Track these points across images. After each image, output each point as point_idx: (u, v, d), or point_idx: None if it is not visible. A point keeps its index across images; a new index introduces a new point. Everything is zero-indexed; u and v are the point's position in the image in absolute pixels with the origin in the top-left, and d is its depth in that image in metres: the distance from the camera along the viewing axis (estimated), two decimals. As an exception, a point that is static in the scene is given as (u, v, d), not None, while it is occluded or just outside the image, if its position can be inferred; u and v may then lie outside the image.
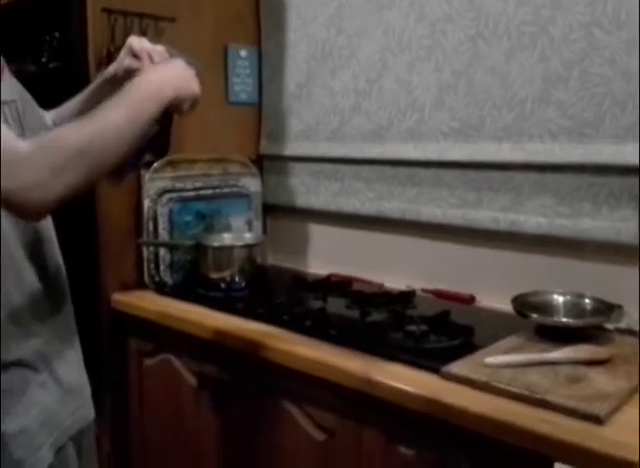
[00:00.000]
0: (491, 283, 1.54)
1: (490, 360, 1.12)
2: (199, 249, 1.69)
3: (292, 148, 1.99)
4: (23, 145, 0.76)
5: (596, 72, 1.34)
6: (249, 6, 2.01)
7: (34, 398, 0.91)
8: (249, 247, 1.74)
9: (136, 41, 1.03)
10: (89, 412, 1.02)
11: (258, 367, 1.34)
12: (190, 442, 1.55)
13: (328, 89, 1.86)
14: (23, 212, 0.78)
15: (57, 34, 1.74)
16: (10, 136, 0.76)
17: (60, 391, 0.96)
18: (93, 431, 1.07)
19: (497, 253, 1.53)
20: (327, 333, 1.33)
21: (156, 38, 1.75)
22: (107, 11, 1.68)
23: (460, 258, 1.61)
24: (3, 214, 0.86)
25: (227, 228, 1.84)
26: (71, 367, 1.00)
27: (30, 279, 0.93)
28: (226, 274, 1.67)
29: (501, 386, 1.04)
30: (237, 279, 1.67)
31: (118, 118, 0.82)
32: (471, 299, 1.56)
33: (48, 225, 0.99)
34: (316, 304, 1.53)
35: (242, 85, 2.00)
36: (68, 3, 1.67)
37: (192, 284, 1.70)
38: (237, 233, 1.83)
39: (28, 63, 1.83)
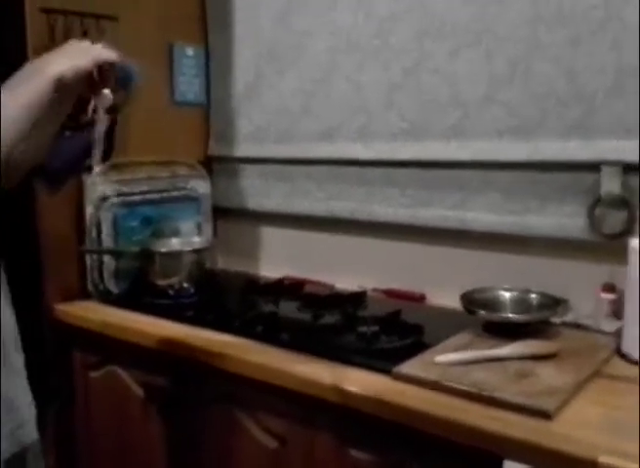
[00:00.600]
0: (440, 281, 1.55)
1: (440, 358, 1.12)
2: (145, 255, 1.63)
3: (241, 149, 1.96)
4: None
5: (540, 70, 1.36)
6: (195, 3, 1.98)
7: None
8: (197, 251, 1.70)
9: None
10: (29, 434, 0.95)
11: (207, 375, 1.31)
12: (139, 454, 1.50)
13: (277, 89, 1.84)
14: None
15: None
16: None
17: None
18: (37, 453, 0.99)
19: (446, 251, 1.54)
20: (278, 338, 1.31)
21: (98, 37, 1.70)
22: (46, 11, 1.62)
23: (410, 257, 1.61)
24: None
25: (176, 233, 1.79)
26: (7, 384, 0.93)
27: None
28: (175, 280, 1.62)
29: (451, 384, 1.04)
30: (186, 285, 1.63)
31: (10, 101, 0.80)
32: (422, 298, 1.56)
33: None
34: (268, 308, 1.50)
35: (188, 84, 1.96)
36: (4, 3, 1.61)
37: (139, 292, 1.64)
38: (187, 237, 1.79)
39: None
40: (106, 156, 1.59)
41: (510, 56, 1.39)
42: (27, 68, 0.86)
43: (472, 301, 1.31)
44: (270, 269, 1.90)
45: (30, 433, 0.96)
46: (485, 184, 1.45)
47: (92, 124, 1.05)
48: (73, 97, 0.91)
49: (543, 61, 1.35)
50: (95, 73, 0.91)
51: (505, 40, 1.39)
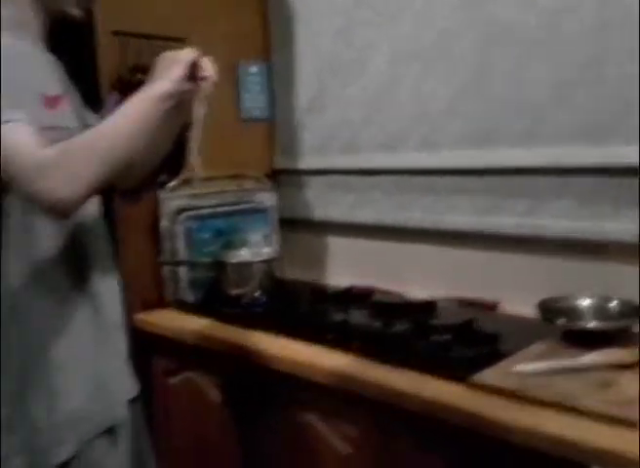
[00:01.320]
0: (514, 289, 1.52)
1: (519, 367, 1.11)
2: (218, 266, 1.68)
3: (306, 162, 1.99)
4: (45, 151, 0.87)
5: (610, 74, 1.33)
6: (258, 22, 2.03)
7: (63, 392, 0.95)
8: (267, 262, 1.74)
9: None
10: (119, 415, 1.03)
11: (281, 381, 1.34)
12: (216, 458, 1.54)
13: (339, 101, 1.86)
14: (52, 210, 0.89)
15: (67, 59, 1.75)
16: (31, 143, 0.87)
17: (89, 389, 0.99)
18: (127, 434, 1.06)
19: (519, 259, 1.52)
20: (350, 345, 1.32)
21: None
22: (118, 34, 1.69)
23: (481, 265, 1.59)
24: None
25: (245, 244, 1.83)
26: (105, 366, 1.03)
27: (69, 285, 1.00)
28: (246, 290, 1.66)
29: (532, 394, 1.02)
30: (257, 294, 1.66)
31: (121, 120, 0.94)
32: (494, 306, 1.53)
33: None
34: (338, 316, 1.52)
35: (254, 101, 2.01)
36: (78, 27, 1.69)
37: (213, 301, 1.69)
38: (255, 248, 1.83)
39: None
40: (178, 171, 1.66)
41: (580, 59, 1.37)
42: (137, 95, 0.98)
43: (550, 310, 1.29)
44: (337, 278, 1.91)
45: (120, 414, 1.03)
46: (558, 190, 1.42)
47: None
48: (184, 105, 1.02)
49: (612, 65, 1.32)
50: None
51: (572, 43, 1.37)
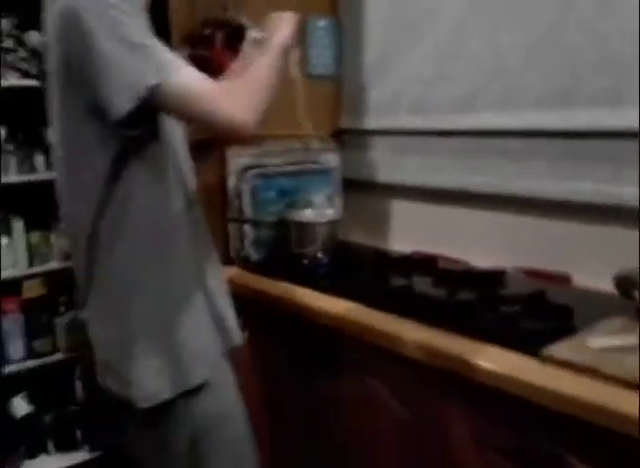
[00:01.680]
0: (588, 260, 1.44)
1: (593, 342, 1.06)
2: (282, 225, 1.68)
3: (372, 121, 1.94)
4: (222, 85, 1.04)
5: None
6: (328, -25, 1.97)
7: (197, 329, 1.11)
8: (331, 223, 1.72)
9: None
10: (234, 339, 1.18)
11: (343, 342, 1.34)
12: (277, 416, 1.57)
13: (410, 57, 1.79)
14: (237, 133, 1.02)
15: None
16: (204, 80, 0.99)
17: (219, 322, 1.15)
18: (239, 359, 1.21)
19: (595, 229, 1.44)
20: (413, 312, 1.29)
21: (237, 11, 1.74)
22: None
23: (554, 235, 1.52)
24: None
25: (309, 204, 1.82)
26: (223, 301, 1.18)
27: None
28: (309, 250, 1.66)
29: (607, 370, 0.98)
30: (320, 255, 1.66)
31: (265, 64, 1.09)
32: (567, 279, 1.47)
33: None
34: (400, 282, 1.49)
35: (321, 57, 1.96)
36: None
37: (276, 260, 1.70)
38: (318, 209, 1.81)
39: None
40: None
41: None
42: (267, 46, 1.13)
43: (627, 284, 1.22)
44: (400, 243, 1.88)
45: (236, 338, 1.19)
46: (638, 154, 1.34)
47: None
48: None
49: None
50: None
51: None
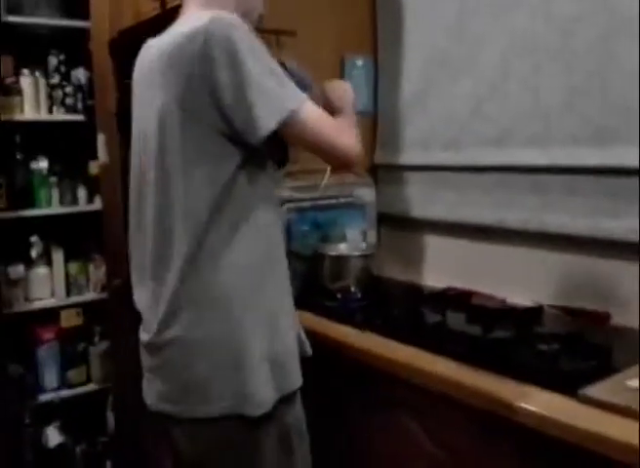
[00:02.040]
0: (628, 300, 1.41)
1: (632, 383, 1.03)
2: (316, 258, 1.69)
3: (407, 157, 1.96)
4: (338, 121, 1.20)
5: None
6: (367, 14, 2.01)
7: (288, 328, 1.19)
8: (365, 257, 1.72)
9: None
10: (294, 382, 1.19)
11: (376, 379, 1.32)
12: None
13: (446, 95, 1.81)
14: (350, 164, 1.22)
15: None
16: (324, 113, 1.15)
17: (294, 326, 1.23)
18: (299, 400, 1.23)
19: (632, 266, 1.41)
20: (447, 349, 1.28)
21: (278, 52, 1.79)
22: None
23: (591, 272, 1.49)
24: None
25: (343, 238, 1.83)
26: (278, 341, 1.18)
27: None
28: (342, 284, 1.66)
29: (646, 412, 0.95)
30: (353, 289, 1.66)
31: (352, 115, 1.27)
32: (606, 317, 1.43)
33: None
34: (434, 318, 1.48)
35: (358, 94, 1.97)
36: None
37: (309, 293, 1.70)
38: (353, 243, 1.82)
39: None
40: (283, 164, 1.68)
41: None
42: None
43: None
44: (434, 279, 1.87)
45: (308, 349, 1.26)
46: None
47: None
48: None
49: None
50: None
51: None
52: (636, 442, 0.90)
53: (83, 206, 2.49)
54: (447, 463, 1.20)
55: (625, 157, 1.39)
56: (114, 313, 2.33)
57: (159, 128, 1.12)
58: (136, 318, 1.26)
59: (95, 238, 2.42)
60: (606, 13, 1.42)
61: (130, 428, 2.24)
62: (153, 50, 1.19)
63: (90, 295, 2.51)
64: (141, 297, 1.22)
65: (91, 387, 2.48)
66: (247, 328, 1.11)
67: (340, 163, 1.20)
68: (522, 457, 1.07)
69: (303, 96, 1.11)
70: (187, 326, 1.11)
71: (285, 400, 1.15)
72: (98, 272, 2.50)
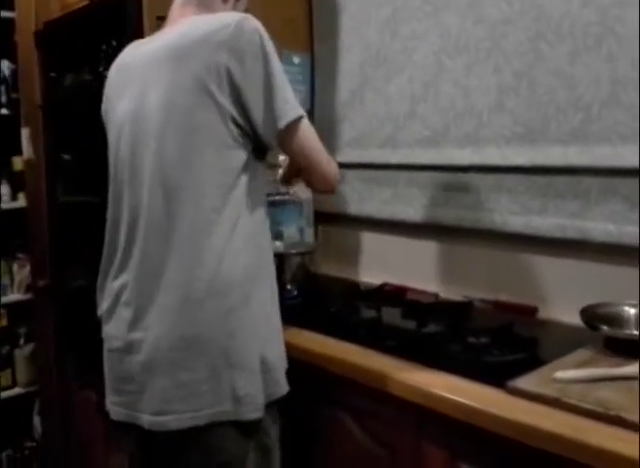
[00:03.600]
0: (555, 294, 1.47)
1: (560, 374, 1.06)
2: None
3: (344, 155, 1.96)
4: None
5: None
6: (301, 11, 2.01)
7: (278, 331, 1.17)
8: (301, 254, 1.72)
9: None
10: (281, 389, 1.16)
11: (312, 376, 1.31)
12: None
13: (382, 95, 1.83)
14: (330, 190, 1.30)
15: (113, 43, 1.76)
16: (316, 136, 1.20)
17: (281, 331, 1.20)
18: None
19: (562, 263, 1.46)
20: (383, 344, 1.29)
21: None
22: (162, 19, 1.69)
23: (521, 268, 1.54)
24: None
25: (279, 236, 1.82)
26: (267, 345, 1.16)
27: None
28: (279, 282, 1.64)
29: (573, 402, 0.98)
30: (289, 287, 1.64)
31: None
32: (534, 311, 1.48)
33: None
34: (370, 314, 1.49)
35: (294, 92, 1.98)
36: (124, 12, 1.69)
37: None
38: (289, 240, 1.81)
39: (85, 72, 1.86)
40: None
41: (634, 57, 1.31)
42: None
43: (594, 316, 1.24)
44: (370, 275, 1.88)
45: (283, 387, 1.16)
46: (606, 192, 1.37)
47: None
48: None
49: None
50: None
51: (630, 40, 1.31)
52: (563, 432, 0.93)
53: (6, 203, 2.39)
54: (385, 460, 1.21)
55: (552, 156, 1.44)
56: (40, 314, 2.24)
57: (165, 110, 1.09)
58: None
59: (19, 236, 2.32)
60: (534, 15, 1.47)
61: (58, 432, 2.17)
62: (151, 46, 1.18)
63: (14, 296, 2.41)
64: (108, 300, 1.16)
65: (16, 391, 2.38)
66: (245, 327, 1.08)
67: (324, 183, 1.24)
68: (454, 451, 1.09)
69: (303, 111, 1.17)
70: (184, 323, 1.05)
71: (270, 408, 1.12)
72: (22, 272, 2.40)
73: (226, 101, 1.07)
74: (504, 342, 1.23)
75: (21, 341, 2.43)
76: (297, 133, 1.14)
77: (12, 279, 2.42)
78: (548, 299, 1.48)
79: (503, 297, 1.54)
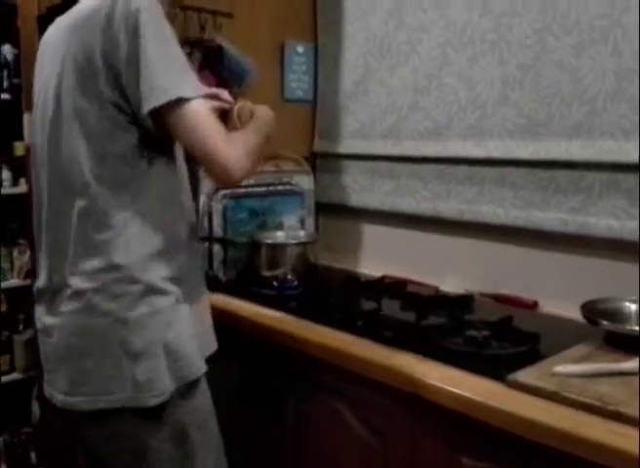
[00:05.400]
0: (555, 288, 1.47)
1: (559, 368, 1.06)
2: (252, 246, 1.67)
3: (346, 146, 1.96)
4: (230, 133, 1.11)
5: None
6: (306, 1, 1.99)
7: (189, 318, 1.13)
8: (302, 245, 1.72)
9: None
10: (194, 372, 1.13)
11: (309, 365, 1.32)
12: (241, 439, 1.53)
13: (385, 86, 1.82)
14: (225, 180, 1.13)
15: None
16: (215, 120, 1.07)
17: (203, 317, 1.20)
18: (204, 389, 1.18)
19: (562, 258, 1.46)
20: (381, 335, 1.29)
21: (215, 32, 1.75)
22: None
23: (522, 262, 1.54)
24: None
25: (280, 226, 1.82)
26: (207, 302, 1.23)
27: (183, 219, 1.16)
28: (279, 272, 1.65)
29: (572, 396, 0.98)
30: (290, 277, 1.64)
31: (257, 136, 1.17)
32: (534, 305, 1.48)
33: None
34: (369, 305, 1.49)
35: (298, 82, 1.98)
36: None
37: (245, 281, 1.68)
38: (290, 231, 1.81)
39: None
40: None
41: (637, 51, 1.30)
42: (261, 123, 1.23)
43: (594, 311, 1.24)
44: (370, 267, 1.88)
45: (195, 369, 1.12)
46: (609, 187, 1.37)
47: None
48: None
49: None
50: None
51: (632, 34, 1.30)
52: (562, 425, 0.93)
53: (7, 188, 2.38)
54: (381, 449, 1.21)
55: (555, 150, 1.44)
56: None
57: (57, 96, 1.07)
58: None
59: (19, 222, 2.31)
60: (540, 7, 1.46)
61: (55, 418, 2.17)
62: (61, 23, 1.14)
63: (14, 282, 2.41)
64: (42, 277, 1.16)
65: (15, 376, 2.38)
66: (143, 315, 1.06)
67: (215, 172, 1.10)
68: (452, 443, 1.09)
69: (198, 91, 1.05)
70: (85, 313, 1.06)
71: (183, 391, 1.10)
72: (22, 257, 2.39)
73: (106, 86, 1.03)
74: (504, 336, 1.23)
75: (21, 327, 2.42)
76: (173, 117, 1.03)
77: (12, 264, 2.42)
78: (549, 293, 1.48)
79: (504, 291, 1.54)
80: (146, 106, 1.01)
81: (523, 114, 1.50)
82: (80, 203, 1.06)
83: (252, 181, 1.79)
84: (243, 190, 1.77)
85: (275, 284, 1.63)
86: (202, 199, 1.67)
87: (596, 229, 1.38)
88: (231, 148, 1.06)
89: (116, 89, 1.03)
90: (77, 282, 1.06)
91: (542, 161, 1.47)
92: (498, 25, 1.54)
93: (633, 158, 1.32)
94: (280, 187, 1.87)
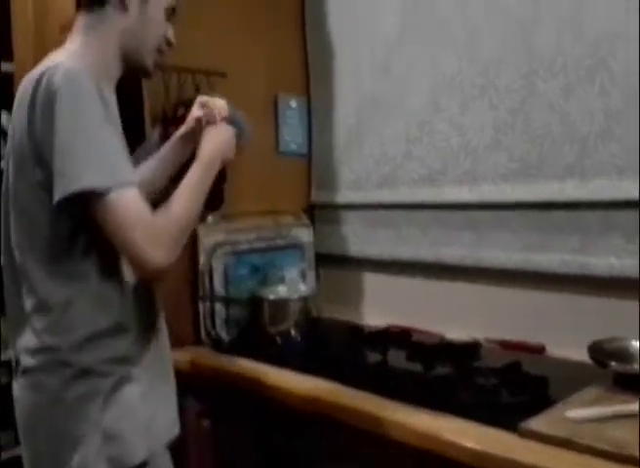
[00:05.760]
0: (562, 331, 1.44)
1: (572, 414, 1.04)
2: (255, 302, 1.66)
3: (343, 196, 1.97)
4: (155, 220, 0.98)
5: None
6: (297, 55, 2.04)
7: (133, 401, 1.04)
8: (304, 299, 1.71)
9: (205, 97, 1.29)
10: (131, 459, 1.04)
11: (319, 425, 1.29)
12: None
13: (378, 135, 1.85)
14: (147, 276, 1.04)
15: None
16: (143, 209, 0.97)
17: (157, 399, 1.09)
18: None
19: (566, 299, 1.45)
20: (389, 388, 1.26)
21: (209, 92, 1.78)
22: (161, 68, 1.72)
23: (526, 305, 1.52)
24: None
25: (281, 280, 1.81)
26: (167, 382, 1.13)
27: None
28: (282, 328, 1.63)
29: (586, 442, 0.96)
30: (293, 332, 1.63)
31: (196, 195, 1.07)
32: (541, 349, 1.46)
33: None
34: (375, 357, 1.47)
35: (292, 135, 2.01)
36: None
37: (249, 339, 1.66)
38: (292, 285, 1.80)
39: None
40: (218, 207, 1.65)
41: (625, 92, 1.32)
42: (203, 160, 1.12)
43: (602, 352, 1.22)
44: (374, 317, 1.86)
45: (133, 455, 1.03)
46: (606, 225, 1.37)
47: None
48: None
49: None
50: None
51: (620, 75, 1.33)
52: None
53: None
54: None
55: (549, 191, 1.45)
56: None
57: (6, 171, 1.05)
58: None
59: None
60: (526, 53, 1.49)
61: None
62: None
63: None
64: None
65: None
66: (78, 393, 1.01)
67: (134, 267, 1.00)
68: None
69: (117, 178, 0.96)
70: (31, 386, 1.03)
71: None
72: None
73: (35, 168, 0.98)
74: (513, 382, 1.21)
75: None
76: (87, 206, 0.96)
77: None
78: (554, 336, 1.45)
79: (509, 335, 1.52)
80: (56, 196, 0.94)
81: (515, 158, 1.52)
82: (23, 281, 1.03)
83: (251, 237, 1.80)
84: (243, 246, 1.77)
85: (279, 340, 1.61)
86: (202, 257, 1.68)
87: (597, 268, 1.38)
88: (150, 243, 0.95)
89: (42, 171, 0.97)
90: (25, 358, 1.03)
91: (538, 203, 1.47)
92: (485, 71, 1.57)
93: (628, 195, 1.32)
94: (280, 241, 1.87)
